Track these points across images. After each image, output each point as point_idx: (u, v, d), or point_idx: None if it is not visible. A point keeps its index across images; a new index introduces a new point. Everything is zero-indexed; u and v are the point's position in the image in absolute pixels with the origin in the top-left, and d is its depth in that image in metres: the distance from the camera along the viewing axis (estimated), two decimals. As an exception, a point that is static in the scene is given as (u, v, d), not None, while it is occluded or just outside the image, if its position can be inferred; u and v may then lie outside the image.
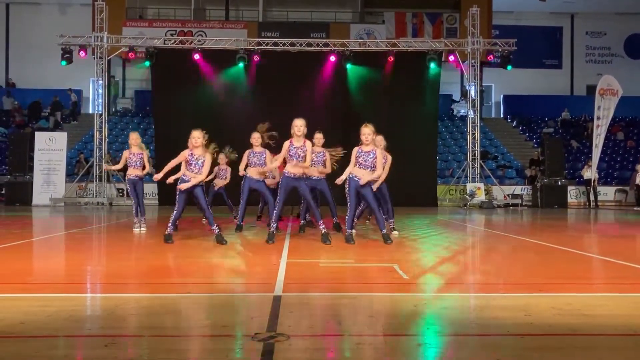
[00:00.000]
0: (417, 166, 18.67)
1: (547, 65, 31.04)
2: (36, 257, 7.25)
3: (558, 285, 5.09)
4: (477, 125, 20.63)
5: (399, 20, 28.46)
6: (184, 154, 7.85)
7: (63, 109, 27.02)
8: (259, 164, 9.12)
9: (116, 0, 25.38)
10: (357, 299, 4.53)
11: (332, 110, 18.32)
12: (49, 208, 17.84)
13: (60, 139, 19.86)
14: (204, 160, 7.79)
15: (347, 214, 8.02)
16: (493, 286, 5.20)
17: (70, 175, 20.88)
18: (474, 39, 20.24)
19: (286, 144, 7.86)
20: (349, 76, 19.88)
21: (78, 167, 21.70)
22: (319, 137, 9.03)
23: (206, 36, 25.53)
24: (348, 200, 8.02)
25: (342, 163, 9.50)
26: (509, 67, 20.51)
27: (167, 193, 18.90)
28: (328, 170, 9.02)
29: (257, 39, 21.17)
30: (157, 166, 20.04)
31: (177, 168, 8.09)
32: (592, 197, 20.90)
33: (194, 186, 7.79)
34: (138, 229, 9.61)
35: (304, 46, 19.69)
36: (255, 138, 9.13)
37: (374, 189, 7.90)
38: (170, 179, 7.94)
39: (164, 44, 20.33)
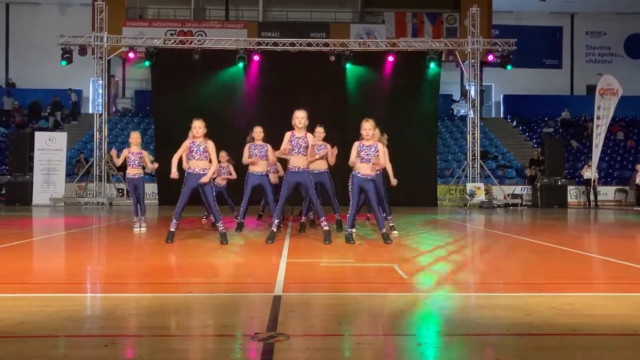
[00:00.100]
0: (417, 166, 18.66)
1: (547, 65, 31.04)
2: (36, 257, 7.25)
3: (558, 285, 5.09)
4: (477, 125, 20.63)
5: (399, 20, 28.47)
6: (185, 144, 7.93)
7: (63, 109, 27.02)
8: (260, 156, 9.16)
9: (116, 0, 25.38)
10: (357, 299, 4.53)
11: (332, 110, 18.28)
12: (49, 208, 17.84)
13: (60, 139, 19.86)
14: (205, 146, 7.84)
15: (349, 212, 8.03)
16: (493, 286, 5.20)
17: (70, 175, 20.88)
18: (474, 38, 20.23)
19: (288, 134, 7.85)
20: (349, 76, 19.87)
21: (78, 167, 21.69)
22: (320, 130, 9.07)
23: (206, 36, 25.53)
24: (350, 198, 8.01)
25: (343, 161, 9.52)
26: (509, 67, 20.51)
27: (167, 193, 18.92)
28: (332, 161, 8.99)
29: (257, 39, 21.17)
30: (158, 165, 20.08)
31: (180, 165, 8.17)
32: (592, 197, 20.90)
33: (204, 174, 7.80)
34: (138, 229, 9.61)
35: (304, 46, 19.69)
36: (257, 132, 9.17)
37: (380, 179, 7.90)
38: (174, 174, 7.90)
39: (164, 43, 20.33)
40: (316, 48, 19.74)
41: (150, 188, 19.83)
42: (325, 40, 20.96)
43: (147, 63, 20.03)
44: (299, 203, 10.39)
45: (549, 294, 4.62)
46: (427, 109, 19.99)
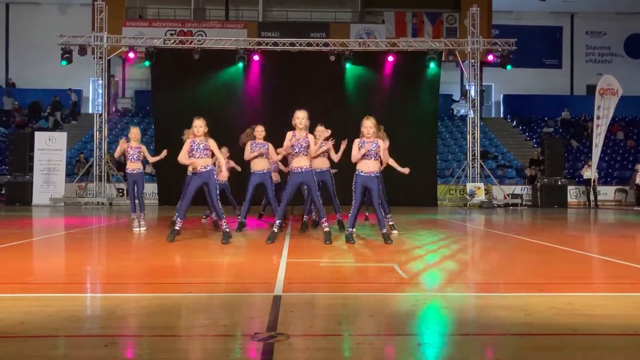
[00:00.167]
0: (417, 166, 18.43)
1: (547, 65, 31.04)
2: (36, 257, 7.25)
3: (558, 285, 5.09)
4: (477, 125, 20.63)
5: (399, 20, 28.46)
6: (187, 143, 7.98)
7: (63, 109, 27.02)
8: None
9: (116, 0, 25.37)
10: (357, 299, 4.53)
11: (332, 110, 18.27)
12: (49, 208, 17.84)
13: (60, 138, 19.86)
14: (205, 144, 7.90)
15: (350, 212, 8.04)
16: (493, 286, 5.20)
17: (70, 175, 20.88)
18: (474, 38, 20.23)
19: (289, 134, 7.89)
20: (348, 76, 19.87)
21: (78, 167, 21.69)
22: (321, 129, 9.08)
23: (206, 36, 25.52)
24: (353, 197, 8.03)
25: (346, 159, 9.52)
26: (509, 67, 20.51)
27: (167, 193, 18.93)
28: (337, 158, 9.03)
29: (257, 39, 21.16)
30: (158, 165, 20.11)
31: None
32: (592, 197, 20.90)
33: (208, 179, 7.84)
34: (137, 229, 9.60)
35: (304, 46, 19.69)
36: (259, 131, 9.20)
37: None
38: (196, 163, 7.91)
39: (164, 43, 20.32)
40: (316, 48, 19.74)
41: (150, 188, 19.84)
42: (325, 40, 20.96)
43: (147, 63, 20.03)
44: (299, 203, 10.40)
45: (549, 294, 4.62)
46: (427, 109, 19.98)
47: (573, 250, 7.59)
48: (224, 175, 8.28)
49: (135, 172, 9.67)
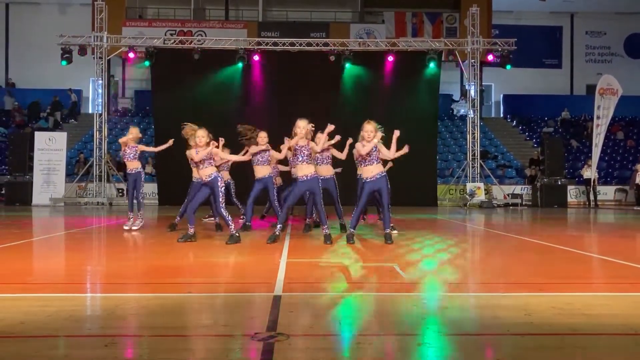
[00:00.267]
0: (417, 166, 18.61)
1: (547, 64, 31.03)
2: (36, 257, 7.25)
3: (558, 284, 5.09)
4: (477, 125, 20.63)
5: (399, 19, 28.46)
6: (191, 153, 8.07)
7: (63, 108, 27.01)
8: (262, 161, 9.30)
9: (116, 0, 25.36)
10: (357, 299, 4.53)
11: (332, 110, 18.29)
12: (49, 208, 17.83)
13: (60, 138, 19.85)
14: (209, 154, 7.96)
15: (353, 213, 8.06)
16: (493, 286, 5.20)
17: (70, 175, 20.87)
18: (474, 38, 20.23)
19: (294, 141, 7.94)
20: (348, 76, 19.87)
21: (78, 167, 21.69)
22: (324, 138, 9.07)
23: (206, 36, 25.52)
24: (358, 199, 8.04)
25: (347, 161, 9.54)
26: (508, 67, 20.49)
27: (167, 193, 18.94)
28: (343, 156, 9.08)
29: (256, 39, 21.15)
30: (158, 165, 20.14)
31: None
32: (591, 197, 20.90)
33: (213, 186, 7.89)
34: (128, 226, 9.59)
35: (304, 46, 19.69)
36: (262, 137, 9.22)
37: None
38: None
39: (164, 43, 20.31)
40: (316, 48, 19.73)
41: (150, 188, 19.84)
42: (325, 40, 20.95)
43: (147, 63, 20.03)
44: (299, 203, 10.41)
45: (549, 294, 4.63)
46: (427, 109, 19.97)
47: (573, 250, 7.59)
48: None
49: (133, 171, 9.70)
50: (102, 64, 20.18)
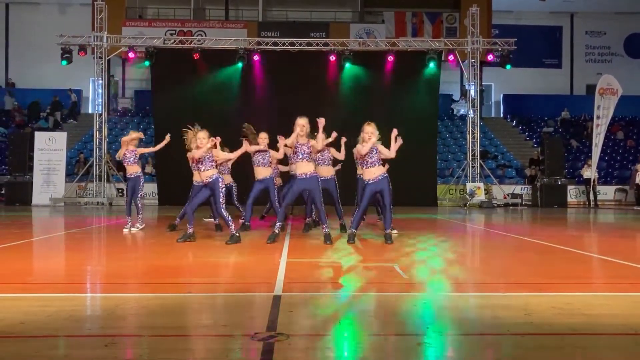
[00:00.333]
0: (417, 166, 18.65)
1: (547, 64, 31.03)
2: (36, 257, 7.25)
3: (558, 284, 5.09)
4: (477, 125, 20.62)
5: (399, 19, 28.45)
6: (192, 153, 8.14)
7: (63, 108, 27.01)
8: (263, 162, 9.35)
9: (116, 0, 25.37)
10: (357, 299, 4.54)
11: (332, 110, 18.28)
12: (49, 208, 17.83)
13: (60, 138, 19.85)
14: (210, 155, 8.01)
15: (355, 214, 8.06)
16: (493, 285, 5.20)
17: (70, 175, 20.87)
18: (474, 38, 20.23)
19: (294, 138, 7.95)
20: (348, 76, 19.87)
21: (78, 167, 21.69)
22: (321, 137, 9.08)
23: (206, 36, 25.52)
24: (359, 201, 8.04)
25: (347, 162, 9.55)
26: (508, 67, 20.48)
27: (167, 193, 18.94)
28: (342, 156, 9.16)
29: (256, 39, 21.14)
30: (158, 165, 20.14)
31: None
32: (591, 197, 20.90)
33: (214, 188, 7.92)
34: (127, 229, 9.57)
35: (304, 46, 19.69)
36: (262, 138, 9.26)
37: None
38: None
39: (164, 43, 20.31)
40: (316, 48, 19.73)
41: (150, 188, 19.84)
42: (325, 40, 20.95)
43: (146, 63, 20.03)
44: (299, 203, 10.42)
45: (549, 294, 4.63)
46: (427, 109, 19.96)
47: (573, 250, 7.59)
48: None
49: (132, 175, 9.68)
50: (102, 64, 20.17)
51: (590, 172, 20.90)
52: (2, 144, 24.04)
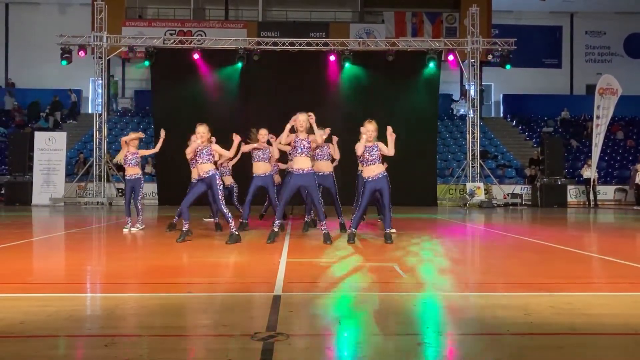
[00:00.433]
0: (417, 166, 18.67)
1: (547, 64, 31.04)
2: (36, 257, 7.24)
3: (558, 284, 5.09)
4: (477, 125, 20.63)
5: (399, 19, 28.46)
6: (194, 142, 8.08)
7: (63, 108, 27.02)
8: (264, 157, 9.31)
9: (116, 0, 25.37)
10: (357, 299, 4.54)
11: (332, 110, 18.30)
12: (49, 208, 17.84)
13: (59, 138, 19.85)
14: (208, 149, 7.98)
15: (355, 213, 8.05)
16: (493, 285, 5.20)
17: (70, 175, 20.88)
18: (474, 38, 20.24)
19: (291, 135, 7.95)
20: (348, 76, 19.87)
21: (78, 167, 21.69)
22: (320, 132, 9.09)
23: (206, 36, 25.53)
24: (360, 199, 8.03)
25: (344, 156, 9.54)
26: (508, 67, 20.48)
27: (167, 193, 18.94)
28: (337, 155, 9.21)
29: (256, 39, 21.15)
30: (158, 165, 20.14)
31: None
32: (591, 197, 20.90)
33: (211, 183, 7.89)
34: (127, 229, 9.57)
35: (304, 46, 19.69)
36: (262, 134, 9.26)
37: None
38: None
39: (164, 43, 20.31)
40: (316, 48, 19.73)
41: (150, 188, 19.85)
42: (324, 40, 20.95)
43: (146, 63, 20.03)
44: (299, 203, 10.41)
45: (549, 294, 4.62)
46: (427, 109, 19.97)
47: (573, 250, 7.59)
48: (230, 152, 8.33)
49: (133, 177, 9.67)
50: (101, 64, 20.18)
51: (590, 172, 20.91)
52: (2, 144, 24.05)
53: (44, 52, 26.41)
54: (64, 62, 19.99)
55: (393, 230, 9.24)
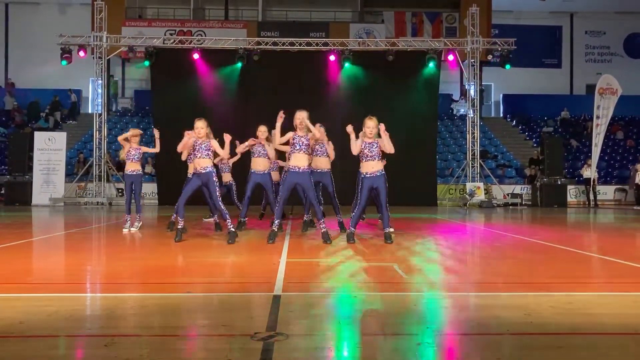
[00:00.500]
0: (417, 166, 18.67)
1: (547, 64, 31.03)
2: (36, 257, 7.24)
3: (558, 284, 5.09)
4: (477, 125, 20.62)
5: (399, 19, 28.47)
6: (187, 136, 8.10)
7: (63, 108, 27.02)
8: (264, 153, 9.29)
9: (116, 0, 25.37)
10: (357, 298, 4.53)
11: (332, 110, 18.31)
12: (49, 208, 17.83)
13: (59, 138, 19.85)
14: (208, 144, 7.96)
15: (354, 212, 8.04)
16: (493, 285, 5.20)
17: (69, 175, 20.88)
18: (474, 38, 20.23)
19: (290, 133, 7.95)
20: (348, 75, 19.87)
21: (77, 167, 21.69)
22: (316, 129, 9.10)
23: (205, 36, 25.53)
24: (358, 198, 8.03)
25: (344, 155, 9.54)
26: (508, 66, 20.47)
27: (166, 192, 18.92)
28: (332, 157, 9.22)
29: (256, 39, 21.14)
30: (158, 165, 20.14)
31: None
32: (591, 197, 20.90)
33: (207, 180, 7.88)
34: (127, 229, 9.55)
35: (304, 46, 19.69)
36: (262, 131, 9.26)
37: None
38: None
39: (164, 43, 20.30)
40: (316, 48, 19.73)
41: (150, 188, 19.84)
42: (324, 39, 20.94)
43: (146, 63, 20.02)
44: (299, 203, 10.40)
45: (549, 294, 4.62)
46: (426, 109, 19.96)
47: (573, 250, 7.59)
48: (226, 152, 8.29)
49: (134, 173, 9.65)
50: (101, 64, 20.17)
51: (590, 172, 20.91)
52: (2, 144, 24.04)
53: (44, 52, 26.39)
54: (64, 62, 19.99)
55: (392, 229, 9.25)
